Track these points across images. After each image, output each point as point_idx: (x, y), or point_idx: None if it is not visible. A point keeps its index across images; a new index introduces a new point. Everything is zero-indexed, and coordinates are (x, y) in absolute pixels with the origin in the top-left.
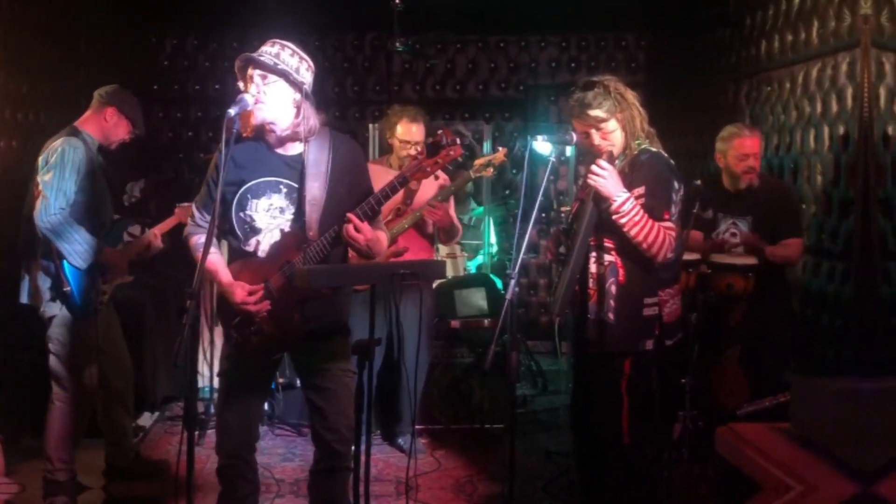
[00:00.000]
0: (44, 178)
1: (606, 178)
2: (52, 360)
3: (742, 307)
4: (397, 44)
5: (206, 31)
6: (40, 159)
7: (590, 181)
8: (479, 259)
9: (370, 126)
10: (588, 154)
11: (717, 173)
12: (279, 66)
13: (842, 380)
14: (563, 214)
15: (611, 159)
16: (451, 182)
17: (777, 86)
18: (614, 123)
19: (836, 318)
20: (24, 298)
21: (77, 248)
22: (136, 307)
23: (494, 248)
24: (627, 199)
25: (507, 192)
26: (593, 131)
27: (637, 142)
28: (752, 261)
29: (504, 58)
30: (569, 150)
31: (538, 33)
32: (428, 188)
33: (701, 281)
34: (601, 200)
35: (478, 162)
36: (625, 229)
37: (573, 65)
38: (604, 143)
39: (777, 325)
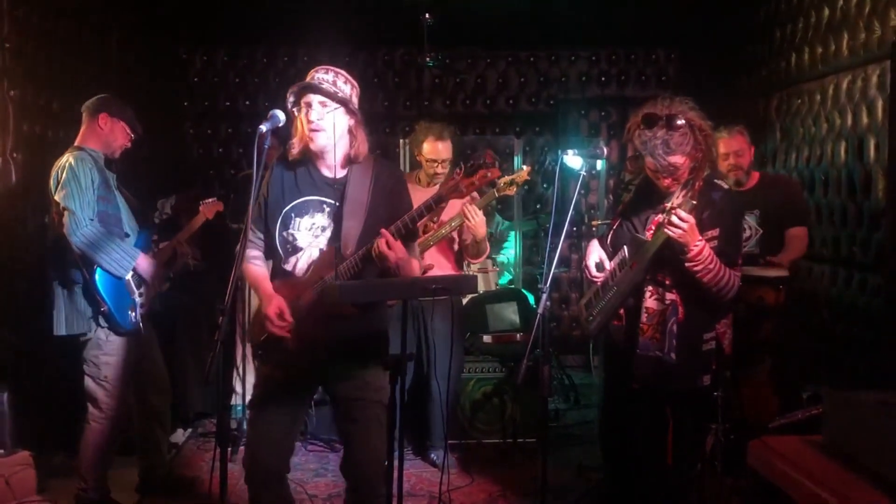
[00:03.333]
0: (61, 196)
1: (686, 231)
2: (88, 382)
3: (773, 320)
4: (427, 59)
5: (236, 46)
6: (51, 181)
7: (667, 231)
8: (510, 275)
9: (401, 142)
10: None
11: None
12: (339, 95)
13: (874, 392)
14: (594, 228)
15: (692, 209)
16: (487, 198)
17: (807, 98)
18: (690, 163)
19: (868, 330)
20: (60, 330)
21: (115, 257)
22: (168, 323)
23: (517, 260)
24: (704, 246)
25: (538, 206)
26: (668, 175)
27: (709, 178)
28: (783, 273)
29: (534, 72)
30: (599, 164)
31: (568, 48)
32: (453, 205)
33: None
34: (676, 246)
35: (502, 180)
36: (698, 276)
37: (603, 79)
38: (673, 182)
39: (804, 338)
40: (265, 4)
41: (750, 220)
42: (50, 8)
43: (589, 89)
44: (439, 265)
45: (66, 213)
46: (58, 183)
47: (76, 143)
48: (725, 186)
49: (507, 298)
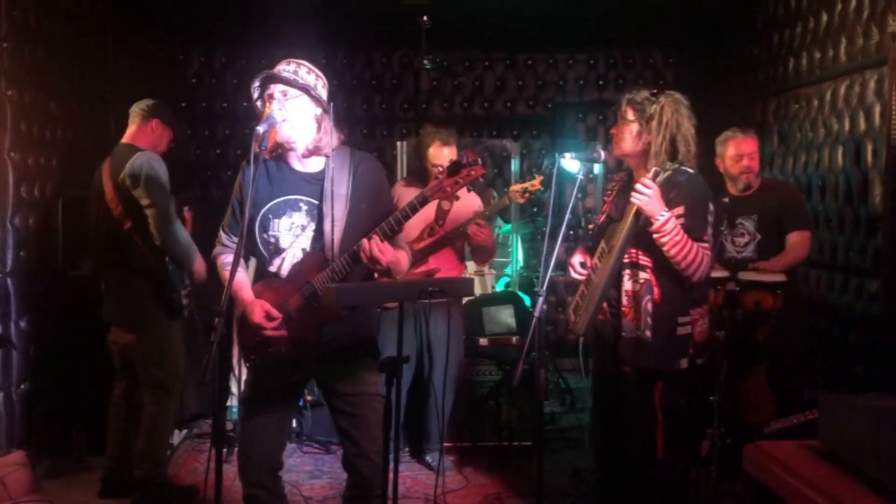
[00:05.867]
0: (145, 193)
1: (651, 198)
2: (153, 369)
3: (770, 324)
4: (425, 61)
5: (234, 48)
6: (126, 178)
7: (633, 199)
8: (507, 277)
9: (398, 144)
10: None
11: (721, 179)
12: (300, 81)
13: (870, 397)
14: (590, 232)
15: (655, 177)
16: (486, 201)
17: (805, 103)
18: (632, 131)
19: (865, 335)
20: (123, 319)
21: (191, 254)
22: None
23: (520, 265)
24: (669, 218)
25: (535, 209)
26: (619, 123)
27: (675, 164)
28: (780, 278)
29: (532, 75)
30: (597, 168)
31: (566, 51)
32: (461, 208)
33: (729, 298)
34: (642, 218)
35: (515, 188)
36: (665, 248)
37: (601, 82)
38: (618, 139)
39: (800, 343)
40: (263, 6)
41: (748, 225)
42: (47, 9)
43: (586, 93)
44: (445, 268)
45: (152, 209)
46: (137, 182)
47: (127, 141)
48: (691, 171)
49: (503, 301)
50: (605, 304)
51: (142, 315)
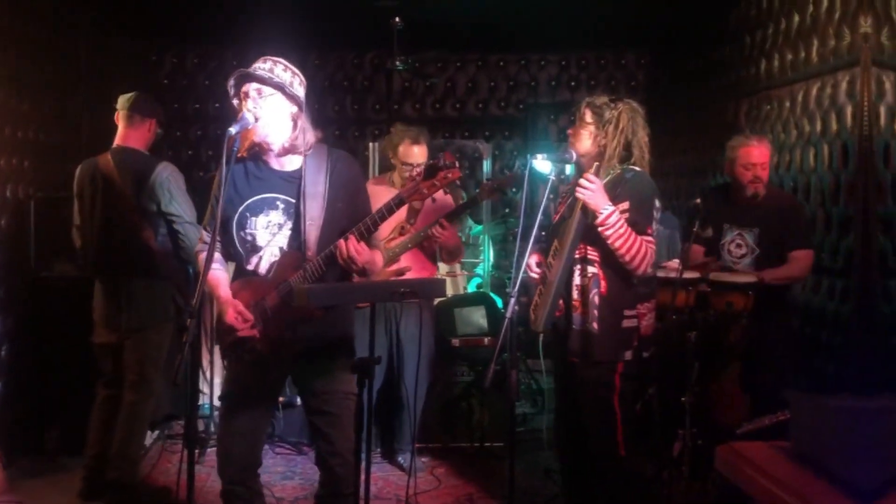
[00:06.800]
0: (171, 204)
1: (594, 192)
2: (146, 366)
3: (742, 325)
4: (397, 62)
5: (206, 49)
6: (156, 187)
7: (578, 193)
8: (478, 278)
9: (370, 145)
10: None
11: (725, 185)
12: (275, 80)
13: (842, 398)
14: (543, 233)
15: (597, 172)
16: (455, 202)
17: (777, 104)
18: (590, 132)
19: (836, 335)
20: (127, 324)
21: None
22: None
23: (491, 266)
24: (613, 211)
25: (507, 210)
26: (578, 124)
27: (623, 165)
28: (752, 279)
29: (504, 77)
30: (569, 169)
31: (538, 52)
32: (432, 208)
33: (701, 299)
34: (588, 212)
35: (486, 185)
36: (609, 241)
37: (573, 83)
38: (574, 139)
39: (776, 343)
40: (236, 7)
41: (748, 238)
42: (20, 9)
43: (558, 94)
44: (416, 267)
45: (176, 219)
46: (161, 191)
47: (129, 145)
48: (638, 169)
49: (475, 302)
50: (560, 301)
51: (159, 317)
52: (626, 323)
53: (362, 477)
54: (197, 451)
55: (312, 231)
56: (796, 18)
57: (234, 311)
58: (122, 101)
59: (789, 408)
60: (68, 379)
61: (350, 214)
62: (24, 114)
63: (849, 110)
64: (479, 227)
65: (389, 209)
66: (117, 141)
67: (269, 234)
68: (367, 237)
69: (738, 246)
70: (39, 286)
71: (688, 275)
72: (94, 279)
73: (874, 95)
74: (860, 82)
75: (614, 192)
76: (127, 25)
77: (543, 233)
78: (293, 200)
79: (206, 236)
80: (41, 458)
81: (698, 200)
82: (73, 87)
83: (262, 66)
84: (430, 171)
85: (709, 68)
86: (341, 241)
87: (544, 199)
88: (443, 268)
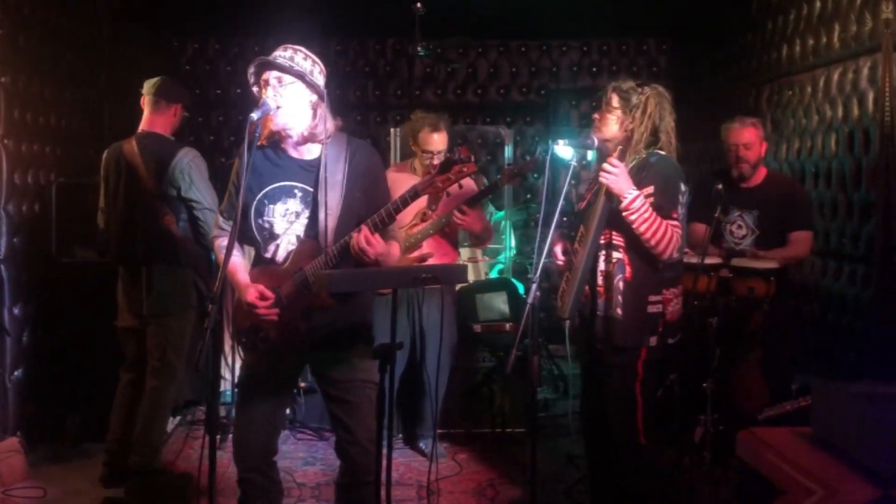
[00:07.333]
0: (193, 191)
1: (618, 176)
2: (169, 353)
3: (763, 311)
4: (419, 48)
5: (228, 35)
6: (176, 172)
7: (601, 178)
8: (500, 264)
9: (392, 131)
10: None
11: (726, 168)
12: (295, 68)
13: (863, 383)
14: (564, 219)
15: (621, 157)
16: (478, 187)
17: (798, 90)
18: (617, 117)
19: (857, 321)
20: (149, 310)
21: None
22: None
23: (513, 252)
24: (637, 196)
25: (529, 196)
26: (604, 109)
27: (649, 150)
28: (773, 264)
29: (525, 62)
30: (590, 155)
31: (559, 38)
32: (455, 193)
33: (722, 285)
34: (612, 197)
35: (507, 170)
36: (634, 226)
37: (594, 69)
38: (601, 124)
39: (787, 328)
40: None
41: (748, 220)
42: None
43: (580, 79)
44: (438, 253)
45: (196, 205)
46: (183, 177)
47: (154, 130)
48: (663, 153)
49: (496, 288)
50: (586, 287)
51: (181, 303)
52: (651, 308)
53: (384, 463)
54: (218, 436)
55: (330, 220)
56: (818, 4)
57: (256, 291)
58: (148, 85)
59: (811, 394)
60: (89, 365)
61: (368, 204)
62: (45, 100)
63: (870, 96)
64: (501, 213)
65: (404, 201)
66: (142, 126)
67: (287, 223)
68: (381, 228)
69: (739, 227)
70: (60, 272)
71: (709, 260)
72: (117, 265)
73: (895, 81)
74: (882, 68)
75: (639, 177)
76: (148, 12)
77: (565, 218)
78: (311, 189)
79: (222, 222)
80: (62, 444)
81: (720, 186)
82: (94, 74)
83: (282, 55)
84: (446, 165)
85: (730, 53)
86: (354, 232)
87: (566, 185)
88: (464, 253)
